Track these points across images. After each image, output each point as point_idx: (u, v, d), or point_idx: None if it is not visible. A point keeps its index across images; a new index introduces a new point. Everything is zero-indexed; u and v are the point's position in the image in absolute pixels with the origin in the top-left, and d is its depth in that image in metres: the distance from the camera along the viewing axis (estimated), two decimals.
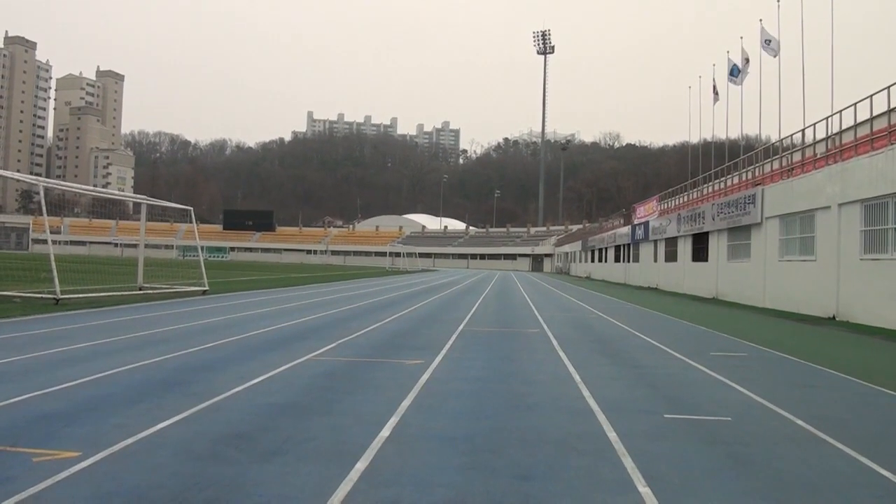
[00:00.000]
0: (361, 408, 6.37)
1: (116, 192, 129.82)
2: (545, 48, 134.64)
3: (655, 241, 41.47)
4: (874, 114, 19.33)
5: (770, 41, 31.44)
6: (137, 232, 26.87)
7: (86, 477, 4.17)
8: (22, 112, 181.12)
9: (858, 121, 20.17)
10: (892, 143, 16.67)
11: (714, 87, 38.63)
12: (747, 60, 34.04)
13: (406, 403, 6.56)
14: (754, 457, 5.10)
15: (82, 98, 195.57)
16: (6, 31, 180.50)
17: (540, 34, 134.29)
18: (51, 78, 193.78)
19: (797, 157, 25.02)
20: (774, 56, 31.40)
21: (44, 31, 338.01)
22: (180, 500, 3.86)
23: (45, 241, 22.40)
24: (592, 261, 67.78)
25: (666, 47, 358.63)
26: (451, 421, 5.94)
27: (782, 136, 29.42)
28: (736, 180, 32.31)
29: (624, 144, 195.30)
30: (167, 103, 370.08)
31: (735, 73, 35.49)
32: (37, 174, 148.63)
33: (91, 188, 39.18)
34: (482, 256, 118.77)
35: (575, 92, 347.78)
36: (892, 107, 18.05)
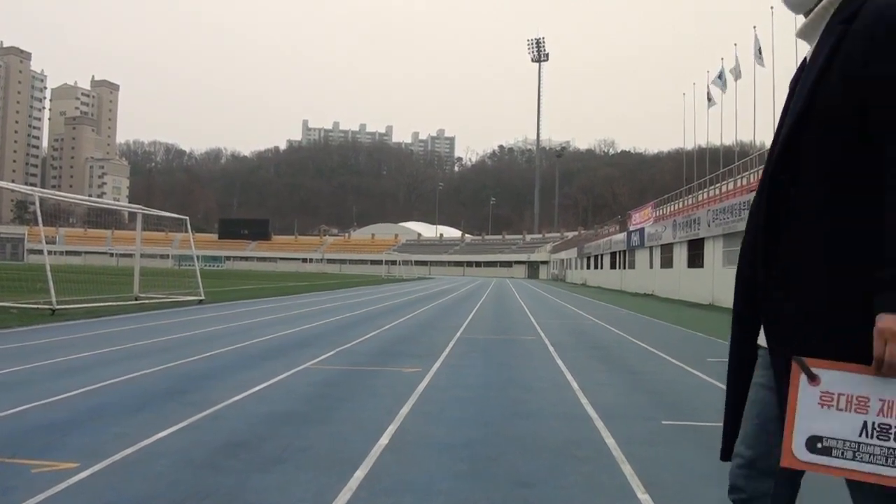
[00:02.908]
0: (360, 415, 6.37)
1: (112, 201, 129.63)
2: (539, 56, 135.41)
3: (651, 248, 41.56)
4: None
5: (760, 50, 31.75)
6: (133, 242, 26.79)
7: (84, 488, 4.16)
8: (17, 122, 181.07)
9: None
10: None
11: (708, 94, 38.88)
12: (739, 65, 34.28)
13: (405, 411, 6.57)
14: None
15: (77, 108, 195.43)
16: (0, 42, 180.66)
17: (534, 42, 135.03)
18: (45, 88, 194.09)
19: None
20: (762, 66, 31.68)
21: (38, 42, 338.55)
22: None
23: (40, 252, 22.37)
24: (588, 268, 67.83)
25: (660, 54, 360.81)
26: (450, 428, 5.95)
27: None
28: (731, 186, 32.44)
29: (619, 151, 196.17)
30: (162, 112, 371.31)
31: (721, 78, 35.80)
32: (32, 184, 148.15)
33: (86, 198, 39.10)
34: (478, 264, 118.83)
35: (569, 99, 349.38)
36: None
